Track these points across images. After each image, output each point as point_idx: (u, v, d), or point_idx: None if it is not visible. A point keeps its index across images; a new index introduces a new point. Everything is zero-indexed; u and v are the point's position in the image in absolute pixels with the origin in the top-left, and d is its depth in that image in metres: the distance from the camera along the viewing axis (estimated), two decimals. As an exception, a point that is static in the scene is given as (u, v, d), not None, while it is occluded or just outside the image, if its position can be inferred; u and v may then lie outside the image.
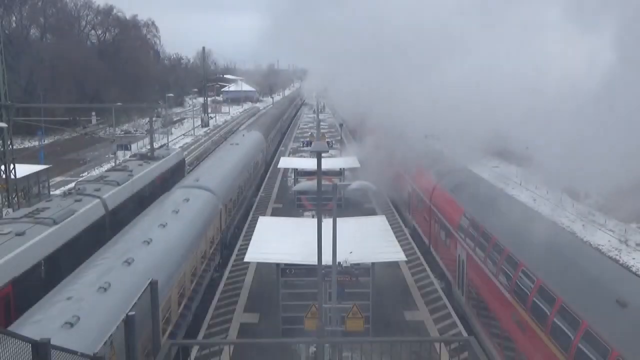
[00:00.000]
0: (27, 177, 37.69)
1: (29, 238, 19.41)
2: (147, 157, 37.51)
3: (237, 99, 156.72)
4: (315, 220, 16.79)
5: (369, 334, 18.44)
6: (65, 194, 26.44)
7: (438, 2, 18.92)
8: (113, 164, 45.51)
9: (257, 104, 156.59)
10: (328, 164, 36.38)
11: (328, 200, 19.75)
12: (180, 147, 60.48)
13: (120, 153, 52.81)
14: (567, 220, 38.85)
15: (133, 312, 11.74)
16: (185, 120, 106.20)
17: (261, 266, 24.67)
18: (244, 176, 36.39)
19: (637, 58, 10.91)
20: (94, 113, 71.68)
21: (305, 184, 19.80)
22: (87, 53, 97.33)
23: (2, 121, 34.10)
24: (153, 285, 13.13)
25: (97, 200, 25.89)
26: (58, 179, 50.45)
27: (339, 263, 17.16)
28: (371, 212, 34.18)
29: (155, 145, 42.95)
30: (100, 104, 79.15)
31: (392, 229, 22.98)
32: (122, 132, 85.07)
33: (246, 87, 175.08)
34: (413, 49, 18.56)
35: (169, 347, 11.67)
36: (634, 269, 29.22)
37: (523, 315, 15.47)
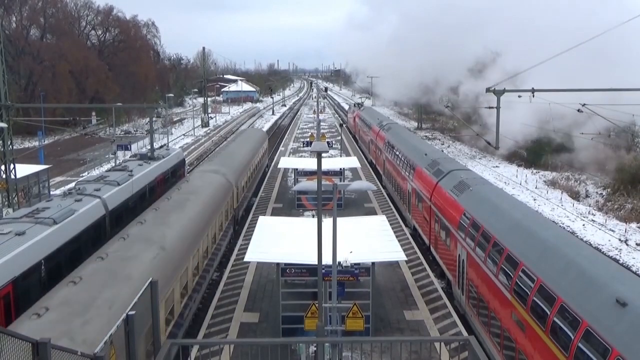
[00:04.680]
0: (27, 177, 37.67)
1: (29, 238, 19.42)
2: (147, 157, 37.49)
3: (237, 99, 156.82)
4: (315, 220, 16.79)
5: (369, 333, 18.45)
6: (65, 194, 26.44)
7: None
8: (113, 164, 45.52)
9: (257, 104, 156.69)
10: (328, 164, 36.47)
11: (328, 200, 19.76)
12: (180, 147, 60.48)
13: (120, 153, 52.79)
14: (567, 220, 38.85)
15: (133, 312, 11.72)
16: (185, 121, 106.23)
17: (261, 266, 24.70)
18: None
19: None
20: (94, 113, 71.65)
21: (305, 183, 19.77)
22: (87, 53, 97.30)
23: (2, 121, 34.09)
24: (153, 285, 13.12)
25: (97, 200, 25.90)
26: (58, 179, 50.44)
27: (339, 263, 17.17)
28: (371, 212, 34.23)
29: (155, 146, 42.95)
30: (100, 104, 79.19)
31: (392, 228, 22.99)
32: (122, 132, 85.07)
33: (246, 87, 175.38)
34: None
35: (169, 347, 11.66)
36: (634, 269, 29.20)
37: (523, 315, 15.48)
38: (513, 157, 59.45)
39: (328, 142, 51.42)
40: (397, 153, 39.47)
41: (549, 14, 57.25)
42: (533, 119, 48.52)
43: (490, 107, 44.24)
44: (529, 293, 15.34)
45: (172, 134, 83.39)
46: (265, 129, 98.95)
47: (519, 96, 42.13)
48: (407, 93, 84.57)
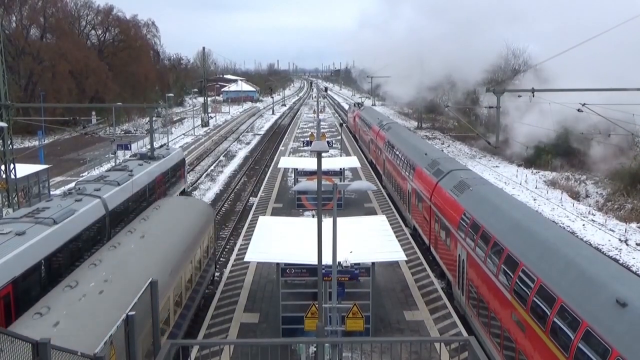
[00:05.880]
0: (27, 177, 37.67)
1: (29, 238, 19.42)
2: (147, 157, 37.51)
3: (237, 98, 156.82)
4: (315, 220, 16.79)
5: (369, 334, 18.45)
6: (65, 194, 26.45)
7: None
8: (113, 164, 45.52)
9: (257, 104, 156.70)
10: (328, 164, 36.46)
11: (328, 200, 19.76)
12: (180, 146, 60.52)
13: (120, 153, 52.78)
14: (567, 220, 38.85)
15: (133, 312, 11.71)
16: (185, 120, 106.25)
17: (261, 266, 24.70)
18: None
19: None
20: (94, 113, 71.66)
21: (305, 183, 19.77)
22: (87, 53, 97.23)
23: (2, 121, 34.07)
24: (153, 285, 13.11)
25: (97, 200, 25.91)
26: (58, 179, 50.44)
27: (339, 263, 17.16)
28: (371, 212, 34.22)
29: (155, 145, 42.95)
30: (100, 103, 79.13)
31: (392, 228, 22.98)
32: (122, 132, 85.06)
33: (246, 87, 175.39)
34: None
35: (169, 347, 11.65)
36: (634, 269, 29.20)
37: (523, 315, 15.48)
38: (527, 162, 58.75)
39: (328, 142, 51.41)
40: (397, 153, 39.47)
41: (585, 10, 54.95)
42: (557, 123, 47.39)
43: (490, 107, 44.16)
44: (529, 293, 15.33)
45: (172, 133, 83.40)
46: (264, 128, 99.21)
47: (519, 96, 41.98)
48: (422, 95, 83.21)
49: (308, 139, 55.02)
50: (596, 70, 40.30)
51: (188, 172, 49.10)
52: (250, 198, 43.98)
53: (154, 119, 53.99)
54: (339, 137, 59.91)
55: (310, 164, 36.65)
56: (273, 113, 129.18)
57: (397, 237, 21.93)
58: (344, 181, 35.83)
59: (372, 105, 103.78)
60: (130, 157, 42.65)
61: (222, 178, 54.21)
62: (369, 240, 20.28)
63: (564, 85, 38.04)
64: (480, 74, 68.08)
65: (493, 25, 65.88)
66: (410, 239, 30.23)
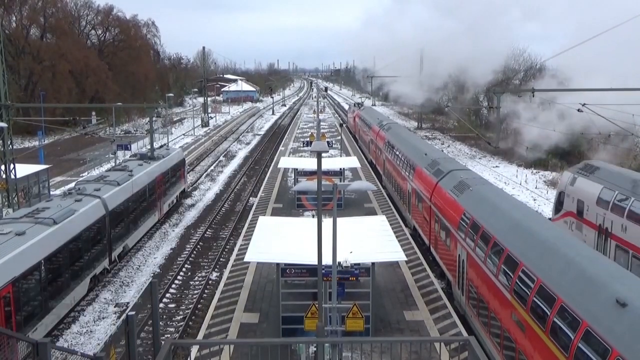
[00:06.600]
0: (27, 177, 37.70)
1: (29, 238, 19.44)
2: (147, 157, 37.53)
3: (237, 98, 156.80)
4: (315, 220, 16.79)
5: (369, 334, 18.45)
6: (65, 194, 26.48)
7: None
8: (113, 164, 45.53)
9: (257, 104, 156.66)
10: (328, 164, 36.46)
11: (328, 200, 19.76)
12: (180, 147, 60.52)
13: (120, 153, 52.81)
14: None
15: (133, 312, 11.72)
16: (185, 120, 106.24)
17: (261, 266, 24.71)
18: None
19: None
20: (94, 113, 71.66)
21: (305, 183, 19.76)
22: (87, 53, 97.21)
23: (2, 121, 34.09)
24: (153, 285, 13.12)
25: (97, 200, 25.94)
26: (58, 179, 50.44)
27: (339, 263, 17.16)
28: (371, 212, 34.22)
29: (155, 145, 42.95)
30: (100, 103, 79.12)
31: (392, 228, 22.98)
32: (122, 132, 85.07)
33: (246, 87, 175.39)
34: None
35: (169, 347, 11.65)
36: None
37: (523, 315, 15.48)
38: (536, 165, 58.46)
39: (328, 142, 51.41)
40: (397, 153, 39.47)
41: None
42: (572, 125, 46.93)
43: (490, 107, 44.14)
44: (529, 293, 15.34)
45: (172, 133, 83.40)
46: (264, 129, 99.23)
47: (519, 96, 41.96)
48: (430, 96, 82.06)
49: (308, 139, 55.01)
50: (612, 70, 39.94)
51: (188, 172, 49.13)
52: (250, 198, 43.98)
53: (154, 119, 53.97)
54: (339, 137, 59.91)
55: (310, 164, 36.66)
56: (273, 113, 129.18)
57: (397, 237, 21.92)
58: (344, 181, 35.82)
59: (372, 105, 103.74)
60: (130, 157, 42.68)
61: (222, 178, 54.22)
62: (368, 240, 20.27)
63: (579, 86, 37.77)
64: (491, 75, 67.41)
65: (506, 24, 65.01)
66: (410, 239, 30.23)
